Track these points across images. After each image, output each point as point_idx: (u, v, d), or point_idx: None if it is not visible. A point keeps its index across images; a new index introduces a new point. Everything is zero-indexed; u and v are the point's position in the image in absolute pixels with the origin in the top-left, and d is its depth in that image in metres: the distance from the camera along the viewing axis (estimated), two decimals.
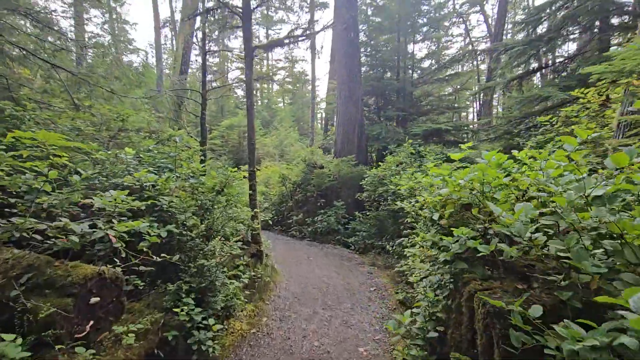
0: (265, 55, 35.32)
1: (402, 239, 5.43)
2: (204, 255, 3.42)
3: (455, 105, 11.50)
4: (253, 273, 5.16)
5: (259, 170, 16.04)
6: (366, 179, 7.99)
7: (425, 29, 12.28)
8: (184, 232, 3.31)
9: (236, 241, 4.14)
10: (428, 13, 11.98)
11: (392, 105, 12.26)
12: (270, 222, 11.88)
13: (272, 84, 45.00)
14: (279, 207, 12.29)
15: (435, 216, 2.66)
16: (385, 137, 10.88)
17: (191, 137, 8.82)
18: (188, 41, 17.91)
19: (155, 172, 4.30)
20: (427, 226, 3.35)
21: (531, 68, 11.41)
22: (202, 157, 6.90)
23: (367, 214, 8.94)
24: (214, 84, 20.64)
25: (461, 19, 25.22)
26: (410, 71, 12.18)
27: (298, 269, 6.91)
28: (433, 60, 12.84)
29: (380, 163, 7.85)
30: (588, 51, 10.18)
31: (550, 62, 12.99)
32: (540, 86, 17.36)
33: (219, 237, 3.91)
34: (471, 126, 10.77)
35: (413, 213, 4.93)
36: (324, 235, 9.82)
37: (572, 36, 10.42)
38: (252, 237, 5.87)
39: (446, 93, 13.54)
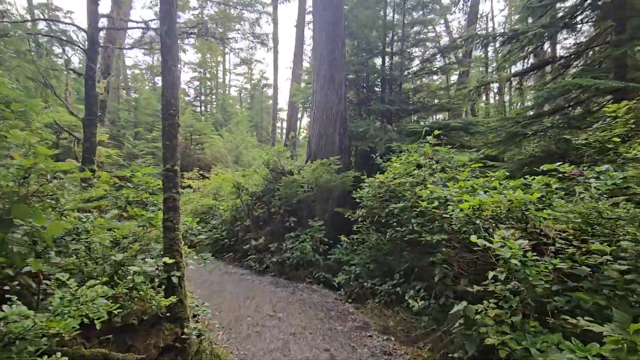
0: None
1: (464, 304, 2.83)
2: None
3: (460, 101, 9.49)
4: None
5: (206, 178, 12.65)
6: (365, 190, 5.34)
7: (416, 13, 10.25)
8: None
9: None
10: None
11: (376, 98, 9.93)
12: (217, 250, 8.64)
13: (230, 89, 40.87)
14: (231, 227, 9.16)
15: None
16: (373, 135, 8.43)
17: (77, 116, 5.50)
18: None
19: None
20: None
21: (532, 61, 9.91)
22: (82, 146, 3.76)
23: (358, 238, 6.30)
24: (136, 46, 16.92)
25: (432, 26, 24.59)
26: (398, 58, 9.99)
27: (259, 344, 3.98)
28: (427, 47, 10.91)
29: (388, 165, 5.24)
30: (597, 45, 8.79)
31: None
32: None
33: None
34: (482, 125, 8.72)
35: (516, 262, 2.37)
36: (296, 269, 6.96)
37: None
38: (170, 312, 2.88)
39: (440, 88, 11.57)
